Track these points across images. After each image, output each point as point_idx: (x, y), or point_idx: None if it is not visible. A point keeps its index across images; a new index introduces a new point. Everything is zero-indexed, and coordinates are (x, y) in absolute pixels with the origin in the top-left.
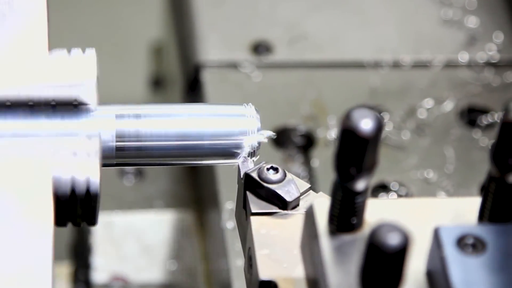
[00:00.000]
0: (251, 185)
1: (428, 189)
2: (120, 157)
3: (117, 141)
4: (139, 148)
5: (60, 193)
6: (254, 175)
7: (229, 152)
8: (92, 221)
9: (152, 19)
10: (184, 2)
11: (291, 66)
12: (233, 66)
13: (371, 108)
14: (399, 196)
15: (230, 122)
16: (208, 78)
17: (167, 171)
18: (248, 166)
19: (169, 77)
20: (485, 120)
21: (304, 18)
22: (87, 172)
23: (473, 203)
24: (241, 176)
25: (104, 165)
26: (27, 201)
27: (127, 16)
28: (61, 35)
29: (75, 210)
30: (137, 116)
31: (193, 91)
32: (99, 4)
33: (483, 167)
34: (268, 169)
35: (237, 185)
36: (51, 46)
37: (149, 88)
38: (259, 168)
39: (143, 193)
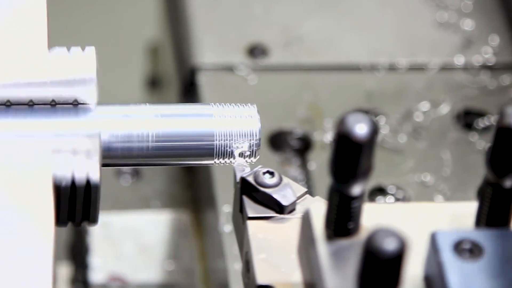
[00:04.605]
0: (248, 189)
1: (425, 193)
2: (120, 157)
3: (117, 141)
4: (140, 149)
5: (60, 193)
6: (250, 179)
7: (228, 153)
8: (93, 220)
9: (148, 19)
10: (180, 4)
11: (287, 69)
12: (229, 69)
13: (367, 111)
14: (396, 199)
15: (231, 122)
16: (204, 81)
17: (163, 171)
18: (244, 170)
19: (165, 78)
20: (481, 123)
21: (300, 21)
22: (87, 172)
23: (469, 208)
24: (237, 180)
25: (104, 165)
26: (27, 201)
27: (123, 15)
28: (56, 35)
29: (75, 209)
30: (138, 115)
31: (189, 93)
32: (95, 4)
33: (480, 170)
34: (264, 173)
35: (234, 189)
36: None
37: (145, 88)
38: (255, 172)
39: (140, 193)
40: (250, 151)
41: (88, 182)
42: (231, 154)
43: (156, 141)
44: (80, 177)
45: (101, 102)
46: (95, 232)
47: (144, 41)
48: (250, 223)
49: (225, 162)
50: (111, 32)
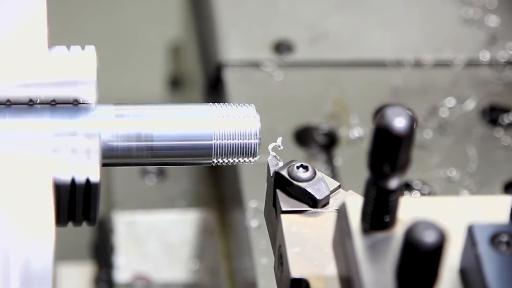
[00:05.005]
0: (281, 183)
1: (451, 188)
2: (120, 157)
3: (117, 141)
4: (139, 148)
5: (60, 193)
6: (284, 173)
7: (230, 152)
8: (93, 220)
9: (169, 19)
10: (204, 2)
11: (313, 65)
12: (255, 65)
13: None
14: (422, 194)
15: (231, 122)
16: (230, 77)
17: (188, 171)
18: (278, 164)
19: (187, 77)
20: (506, 119)
21: (326, 17)
22: (87, 172)
23: (503, 201)
24: (271, 174)
25: (104, 164)
26: (27, 201)
27: (145, 15)
28: (77, 34)
29: (75, 210)
30: (138, 115)
31: (214, 90)
32: (117, 3)
33: (505, 166)
34: (298, 167)
35: (260, 184)
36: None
37: (167, 88)
38: (289, 166)
39: (165, 193)
40: (249, 150)
41: (88, 181)
42: (232, 155)
43: (156, 141)
44: (80, 177)
45: (123, 101)
46: (120, 231)
47: (166, 41)
48: (283, 217)
49: (225, 162)
50: (134, 32)
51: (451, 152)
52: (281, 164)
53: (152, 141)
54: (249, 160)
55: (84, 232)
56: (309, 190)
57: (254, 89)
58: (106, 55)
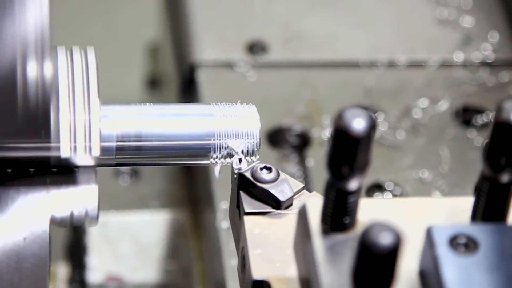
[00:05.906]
0: (245, 185)
1: (423, 189)
2: (120, 156)
3: (117, 141)
4: (139, 148)
5: None
6: (248, 174)
7: (229, 153)
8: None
9: (148, 19)
10: (180, 2)
11: (286, 66)
12: (228, 65)
13: (366, 107)
14: (394, 195)
15: (231, 122)
16: (203, 78)
17: (162, 171)
18: (242, 166)
19: (165, 77)
20: (480, 120)
21: (299, 18)
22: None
23: (466, 203)
24: (235, 176)
25: (103, 164)
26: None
27: (123, 15)
28: (56, 34)
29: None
30: (138, 115)
31: (188, 91)
32: (95, 4)
33: (478, 167)
34: (261, 169)
35: (231, 185)
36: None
37: (145, 88)
38: (253, 168)
39: (139, 193)
40: (249, 150)
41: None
42: (231, 155)
43: (156, 141)
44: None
45: (101, 101)
46: (93, 232)
47: (144, 41)
48: (246, 218)
49: (226, 162)
50: (112, 32)
51: (423, 153)
52: (245, 165)
53: (152, 141)
54: (249, 160)
55: (57, 233)
56: (272, 191)
57: (227, 90)
58: None
